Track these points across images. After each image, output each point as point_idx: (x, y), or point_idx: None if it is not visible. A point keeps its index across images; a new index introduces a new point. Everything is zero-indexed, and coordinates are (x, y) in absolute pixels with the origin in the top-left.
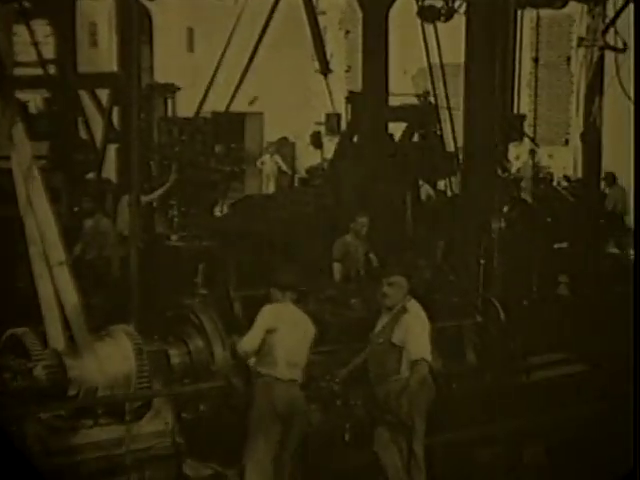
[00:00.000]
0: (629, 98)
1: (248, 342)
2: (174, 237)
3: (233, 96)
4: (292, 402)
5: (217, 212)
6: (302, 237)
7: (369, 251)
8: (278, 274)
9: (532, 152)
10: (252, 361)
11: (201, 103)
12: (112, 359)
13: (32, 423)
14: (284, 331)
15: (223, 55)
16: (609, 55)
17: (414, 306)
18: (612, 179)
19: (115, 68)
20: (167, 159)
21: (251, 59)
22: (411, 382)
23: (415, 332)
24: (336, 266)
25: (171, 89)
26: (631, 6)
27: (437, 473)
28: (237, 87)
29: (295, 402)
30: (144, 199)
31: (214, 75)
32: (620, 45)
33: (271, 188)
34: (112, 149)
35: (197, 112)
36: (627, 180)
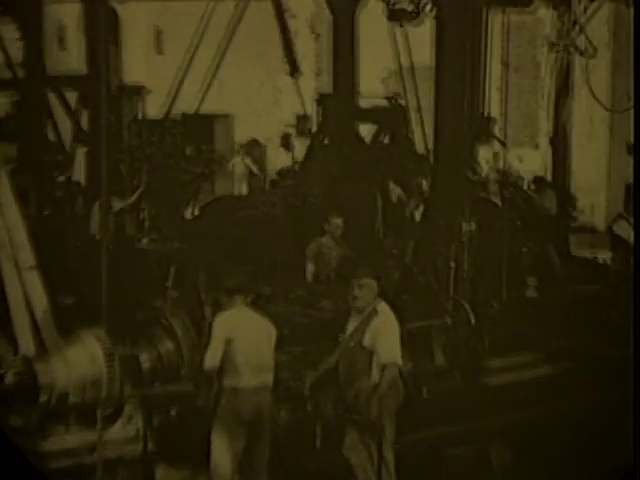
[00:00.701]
0: (598, 102)
1: (210, 359)
2: (145, 239)
3: (202, 98)
4: (260, 409)
5: (188, 214)
6: (273, 238)
7: (343, 256)
8: (223, 279)
9: (502, 155)
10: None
11: (170, 105)
12: (82, 364)
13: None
14: (242, 338)
15: (192, 57)
16: (579, 60)
17: (384, 309)
18: (543, 183)
19: (84, 70)
20: (137, 161)
21: (220, 61)
22: (381, 385)
23: (385, 336)
24: (309, 267)
25: (140, 91)
26: (601, 11)
27: (407, 474)
28: (206, 89)
29: (263, 409)
30: (118, 205)
31: (183, 77)
32: (589, 49)
33: (242, 190)
34: (82, 152)
35: (166, 114)
36: (598, 181)
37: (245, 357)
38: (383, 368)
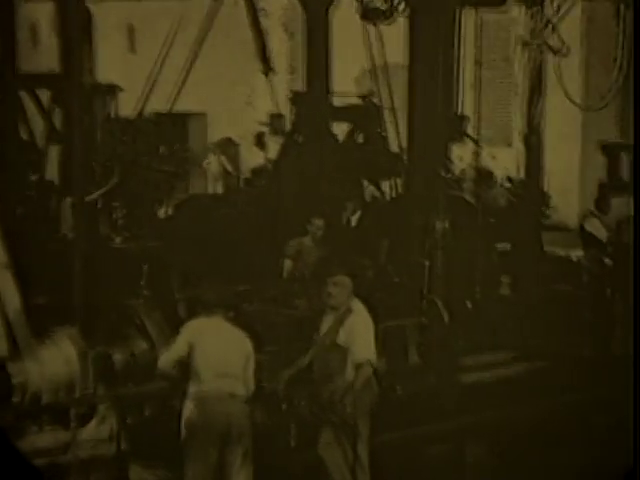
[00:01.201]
0: (571, 100)
1: (163, 358)
2: (118, 239)
3: (176, 97)
4: (228, 418)
5: (161, 213)
6: (246, 237)
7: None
8: (202, 294)
9: (475, 153)
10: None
11: (144, 104)
12: (56, 363)
13: None
14: (206, 343)
15: (165, 56)
16: (551, 58)
17: (359, 307)
18: (490, 178)
19: (57, 69)
20: (110, 160)
21: (193, 59)
22: (355, 384)
23: (360, 334)
24: (287, 263)
25: (113, 90)
26: (573, 10)
27: (382, 473)
28: (180, 88)
29: (232, 418)
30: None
31: (156, 76)
32: (562, 47)
33: (217, 189)
34: (55, 151)
35: (139, 113)
36: (571, 180)
37: (206, 362)
38: (358, 366)
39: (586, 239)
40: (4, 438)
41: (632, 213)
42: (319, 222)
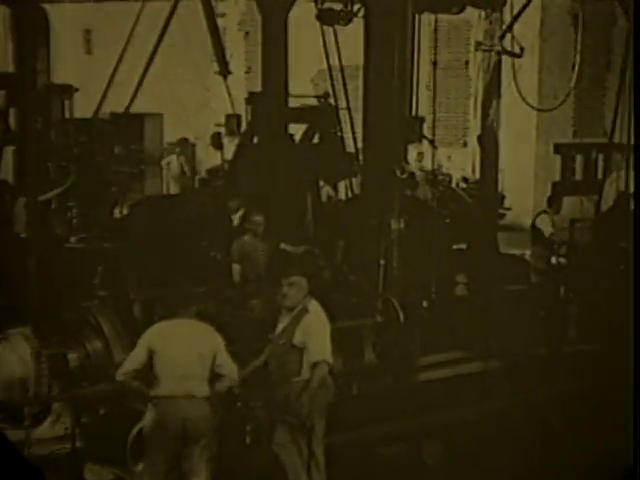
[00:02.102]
0: (525, 102)
1: (123, 371)
2: (73, 239)
3: (132, 97)
4: (185, 421)
5: (117, 213)
6: (202, 238)
7: (270, 253)
8: (165, 293)
9: (431, 154)
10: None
11: (99, 104)
12: (10, 363)
13: None
14: (167, 349)
15: (121, 56)
16: (507, 60)
17: (315, 307)
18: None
19: (11, 69)
20: (65, 160)
21: (150, 60)
22: (311, 383)
23: (316, 333)
24: (235, 267)
25: (69, 90)
26: (528, 11)
27: (338, 472)
28: (136, 88)
29: (188, 421)
30: (40, 198)
31: (112, 76)
32: (517, 50)
33: (176, 189)
34: (9, 151)
35: (95, 113)
36: (525, 180)
37: (165, 367)
38: (314, 366)
39: (534, 236)
40: (4, 438)
41: (633, 213)
42: (258, 218)
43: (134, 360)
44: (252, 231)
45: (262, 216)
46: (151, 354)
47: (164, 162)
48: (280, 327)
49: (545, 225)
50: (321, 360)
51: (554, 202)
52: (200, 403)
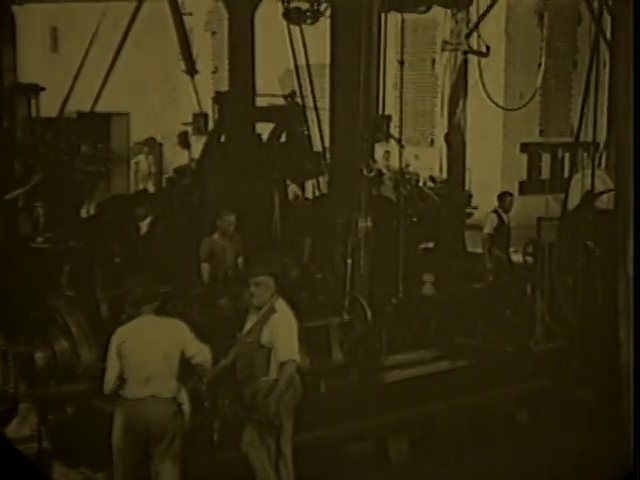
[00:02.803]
0: (491, 100)
1: (107, 383)
2: (39, 238)
3: (98, 96)
4: (148, 421)
5: (83, 212)
6: (170, 237)
7: (239, 253)
8: (129, 290)
9: (398, 153)
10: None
11: (64, 103)
12: None
13: None
14: (131, 351)
15: (86, 55)
16: (473, 59)
17: (282, 306)
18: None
19: None
20: (31, 159)
21: (114, 59)
22: (279, 382)
23: (283, 333)
24: (204, 266)
25: (35, 89)
26: (494, 11)
27: (305, 470)
28: (102, 87)
29: (151, 421)
30: (6, 197)
31: (77, 75)
32: (483, 49)
33: (148, 187)
34: None
35: (61, 112)
36: (492, 179)
37: (130, 369)
38: (281, 365)
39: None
40: (4, 439)
41: (633, 213)
42: (230, 218)
43: (112, 370)
44: (222, 230)
45: (234, 216)
46: (120, 358)
47: (133, 161)
48: (248, 326)
49: (489, 223)
50: (289, 359)
51: (503, 201)
52: (166, 403)
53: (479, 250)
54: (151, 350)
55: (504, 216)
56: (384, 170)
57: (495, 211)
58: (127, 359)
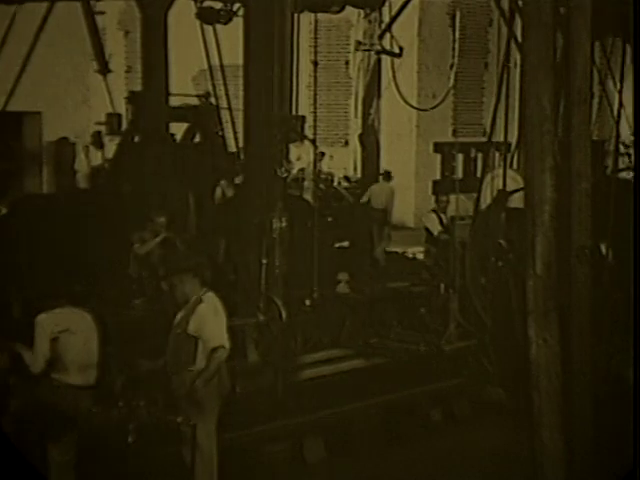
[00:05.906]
0: (404, 100)
1: (36, 362)
2: None
3: (10, 95)
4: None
5: None
6: (84, 237)
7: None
8: (71, 289)
9: (312, 153)
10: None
11: None
12: None
13: None
14: (69, 335)
15: None
16: (386, 59)
17: (210, 297)
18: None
19: None
20: None
21: (26, 59)
22: (209, 366)
23: (210, 321)
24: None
25: None
26: (407, 12)
27: (223, 471)
28: (13, 86)
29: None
30: None
31: None
32: (396, 49)
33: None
34: None
35: None
36: (407, 178)
37: (73, 355)
38: (212, 351)
39: (426, 235)
40: (4, 440)
41: (633, 213)
42: (161, 220)
43: (40, 352)
44: (154, 232)
45: (165, 218)
46: (53, 342)
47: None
48: (178, 318)
49: (432, 223)
50: (219, 345)
51: (440, 200)
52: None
53: (394, 249)
54: (89, 338)
55: (442, 216)
56: (299, 170)
57: (434, 211)
58: (68, 344)
